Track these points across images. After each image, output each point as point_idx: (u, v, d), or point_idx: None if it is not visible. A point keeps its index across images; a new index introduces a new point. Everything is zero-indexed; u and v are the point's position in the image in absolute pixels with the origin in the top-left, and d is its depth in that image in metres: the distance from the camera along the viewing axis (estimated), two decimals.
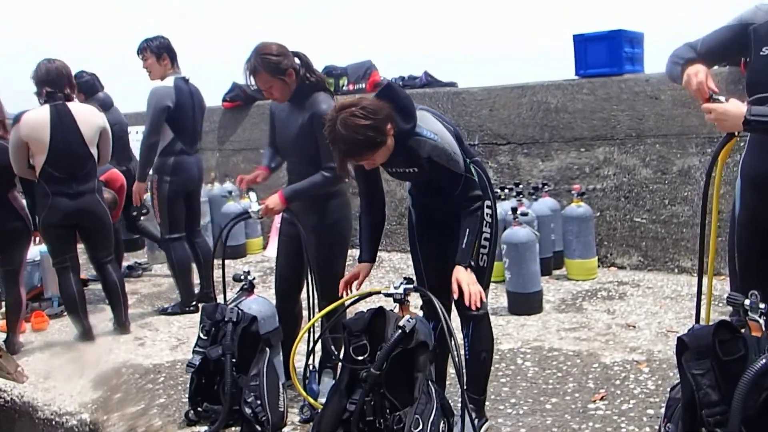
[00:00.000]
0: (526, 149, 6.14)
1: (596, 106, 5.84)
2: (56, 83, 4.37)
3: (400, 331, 2.67)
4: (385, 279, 5.85)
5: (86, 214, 4.44)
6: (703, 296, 2.66)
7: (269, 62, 3.20)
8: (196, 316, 4.95)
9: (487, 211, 2.90)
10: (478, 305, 2.74)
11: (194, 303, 5.14)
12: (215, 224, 7.11)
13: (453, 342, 2.62)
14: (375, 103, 2.64)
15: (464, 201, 2.81)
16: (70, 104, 4.40)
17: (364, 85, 7.52)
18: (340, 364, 3.48)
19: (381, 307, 2.82)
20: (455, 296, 2.77)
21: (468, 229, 2.80)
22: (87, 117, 4.45)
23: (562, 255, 5.61)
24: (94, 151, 4.48)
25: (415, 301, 2.90)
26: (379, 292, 2.91)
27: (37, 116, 4.29)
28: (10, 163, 4.31)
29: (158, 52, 4.99)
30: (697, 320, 2.56)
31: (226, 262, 6.18)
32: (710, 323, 2.31)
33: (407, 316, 2.74)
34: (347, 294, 3.04)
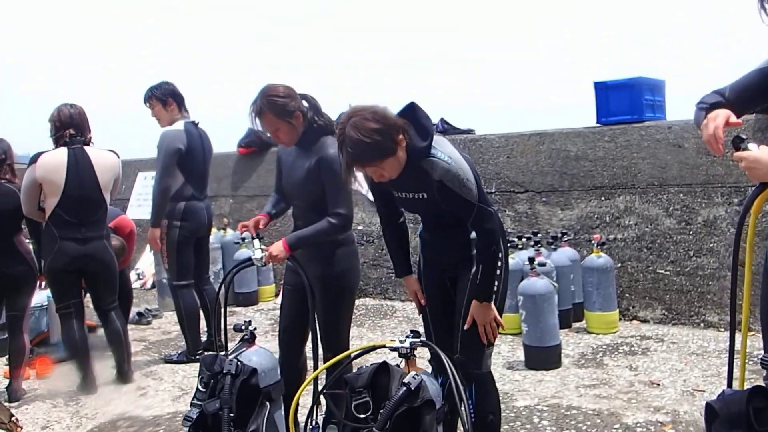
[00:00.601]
0: (545, 197, 5.99)
1: (617, 153, 5.70)
2: (80, 127, 4.36)
3: (405, 388, 2.49)
4: (397, 330, 5.67)
5: (93, 259, 4.36)
6: (735, 355, 2.46)
7: (275, 104, 3.09)
8: None
9: (499, 256, 2.76)
10: (492, 340, 2.67)
11: (201, 351, 4.99)
12: (226, 271, 6.98)
13: (463, 402, 2.44)
14: (389, 112, 2.55)
15: (478, 234, 2.67)
16: (87, 149, 4.36)
17: None
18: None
19: (385, 362, 2.65)
20: (466, 327, 2.70)
21: (482, 265, 2.68)
22: (104, 162, 4.40)
23: (582, 307, 5.42)
24: (107, 197, 4.43)
25: (423, 355, 2.74)
26: (383, 346, 2.74)
27: (55, 158, 4.26)
28: (18, 207, 4.26)
29: (164, 99, 4.95)
30: (729, 383, 2.36)
31: (238, 309, 6.04)
32: (743, 387, 2.11)
33: (413, 372, 2.56)
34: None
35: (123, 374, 4.59)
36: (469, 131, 6.88)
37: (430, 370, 2.89)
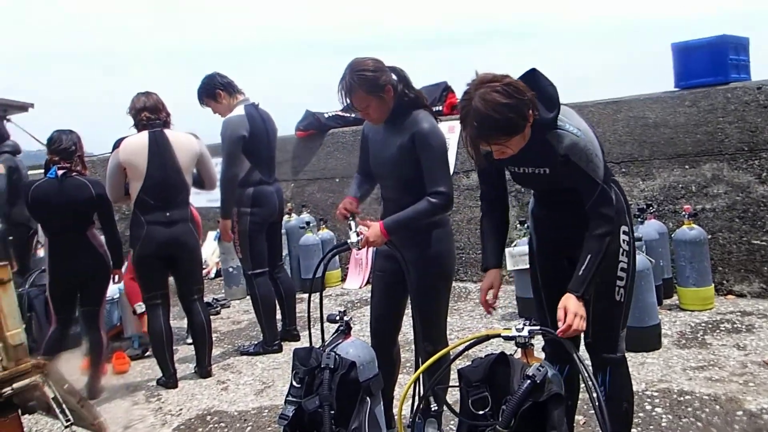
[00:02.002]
0: (624, 168, 5.69)
1: (700, 118, 5.38)
2: (155, 110, 4.34)
3: (529, 381, 2.28)
4: (474, 312, 5.45)
5: (179, 244, 4.33)
6: None
7: (366, 79, 2.87)
8: (280, 357, 4.70)
9: (624, 237, 2.53)
10: (569, 335, 2.34)
11: (278, 342, 4.85)
12: (293, 257, 6.85)
13: (596, 392, 2.21)
14: (520, 84, 2.26)
15: (594, 218, 2.39)
16: (167, 131, 4.34)
17: (441, 108, 7.19)
18: (443, 414, 3.15)
19: (503, 353, 2.44)
20: (559, 324, 2.37)
21: (590, 255, 2.37)
22: (184, 144, 4.38)
23: (672, 283, 5.14)
24: (188, 179, 4.41)
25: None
26: (498, 335, 2.52)
27: (137, 142, 4.27)
28: (90, 200, 4.15)
29: (212, 93, 4.81)
30: None
31: (304, 296, 5.90)
32: None
33: (536, 364, 2.34)
34: (491, 312, 2.75)
35: (203, 368, 4.48)
36: None
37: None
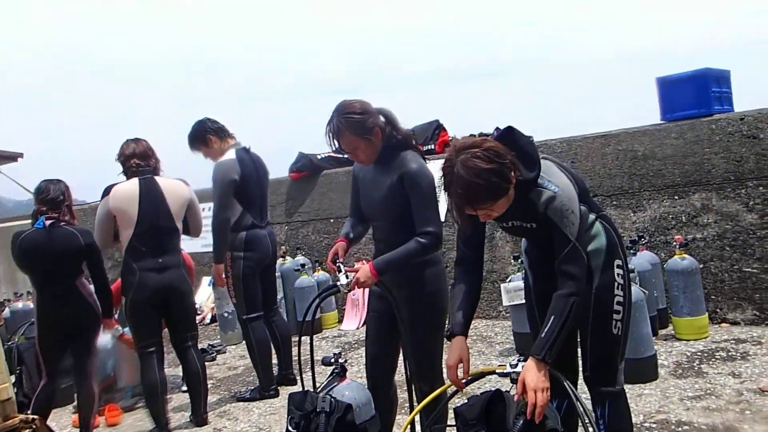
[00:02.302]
0: (615, 201, 5.74)
1: (687, 150, 5.44)
2: (144, 156, 4.35)
3: (524, 418, 2.28)
4: (472, 349, 5.43)
5: (172, 290, 4.31)
6: None
7: (354, 122, 2.92)
8: (277, 402, 4.67)
9: (618, 271, 2.55)
10: (536, 417, 2.20)
11: (274, 387, 4.82)
12: (288, 299, 6.85)
13: (593, 427, 2.22)
14: (499, 146, 2.26)
15: (560, 276, 2.34)
16: (157, 178, 4.36)
17: (433, 146, 7.26)
18: None
19: (498, 390, 2.44)
20: (516, 398, 2.29)
21: (553, 316, 2.31)
22: (175, 191, 4.40)
23: (666, 313, 5.15)
24: (179, 225, 4.40)
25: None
26: (494, 372, 2.53)
27: (127, 189, 4.27)
28: (79, 249, 4.15)
29: (203, 139, 4.84)
30: None
31: (303, 338, 5.86)
32: None
33: None
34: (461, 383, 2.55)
35: (198, 416, 4.44)
36: (528, 138, 6.65)
37: None
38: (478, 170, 2.19)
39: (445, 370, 2.71)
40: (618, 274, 2.55)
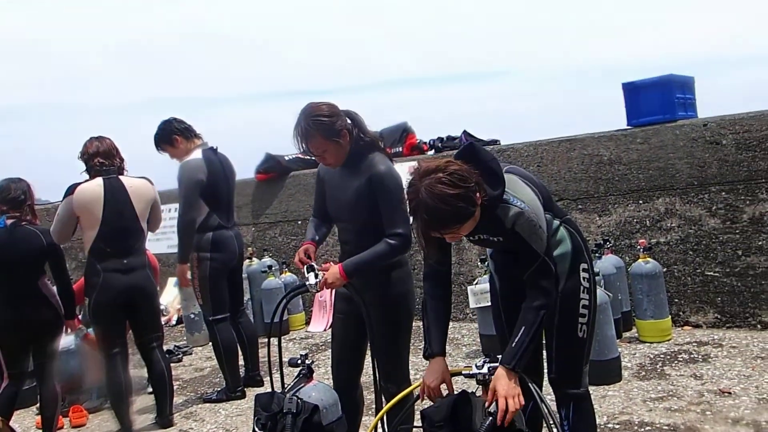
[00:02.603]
0: (580, 204, 5.80)
1: (652, 155, 5.52)
2: (108, 155, 4.25)
3: (491, 418, 2.30)
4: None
5: (138, 291, 4.25)
6: None
7: (322, 124, 2.91)
8: (243, 403, 4.65)
9: (583, 275, 2.58)
10: (505, 423, 2.24)
11: (241, 388, 4.79)
12: (255, 301, 6.81)
13: (556, 428, 2.25)
14: (463, 169, 2.24)
15: (531, 288, 2.38)
16: (122, 177, 4.28)
17: (400, 149, 7.28)
18: None
19: (464, 392, 2.46)
20: (488, 407, 2.33)
21: (524, 327, 2.35)
22: (140, 190, 4.32)
23: (631, 315, 5.23)
24: (144, 225, 4.34)
25: None
26: (459, 373, 2.55)
27: (91, 189, 4.17)
28: (41, 249, 4.08)
29: (168, 139, 4.79)
30: None
31: (271, 340, 5.82)
32: None
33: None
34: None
35: (164, 418, 4.39)
36: (494, 142, 6.71)
37: None
38: (443, 196, 2.16)
39: (412, 373, 2.72)
40: (584, 278, 2.58)
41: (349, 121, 3.02)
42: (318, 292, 3.04)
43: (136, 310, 4.29)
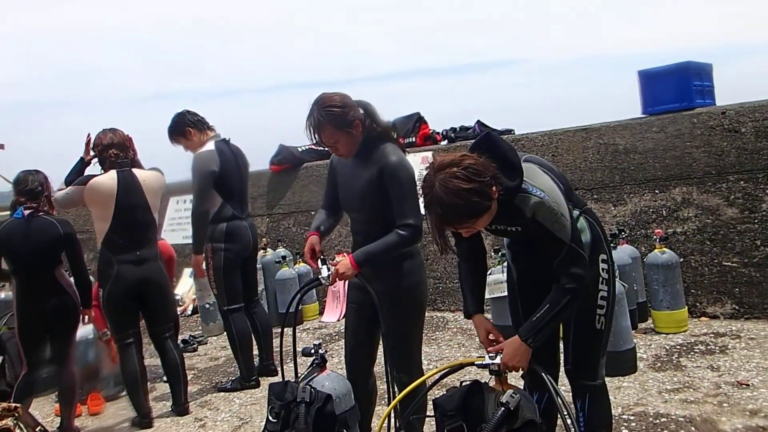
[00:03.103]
0: (595, 194, 5.76)
1: (668, 144, 5.47)
2: (122, 147, 4.29)
3: (503, 409, 2.28)
4: (453, 341, 5.46)
5: (150, 283, 4.29)
6: None
7: (334, 115, 2.90)
8: (258, 392, 4.66)
9: (602, 266, 2.54)
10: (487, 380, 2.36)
11: (255, 377, 4.81)
12: (269, 291, 6.83)
13: (571, 419, 2.23)
14: (478, 162, 2.22)
15: (563, 275, 2.36)
16: (135, 170, 4.30)
17: (414, 139, 7.25)
18: None
19: (477, 381, 2.44)
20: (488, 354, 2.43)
21: (548, 304, 2.36)
22: (152, 183, 4.36)
23: (646, 306, 5.19)
24: (156, 216, 4.37)
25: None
26: (472, 363, 2.54)
27: (105, 183, 4.20)
28: (58, 239, 4.11)
29: (182, 132, 4.79)
30: None
31: (285, 330, 5.85)
32: None
33: (509, 391, 2.36)
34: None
35: (180, 406, 4.42)
36: (509, 131, 6.67)
37: (522, 385, 2.68)
38: (458, 190, 2.15)
39: (425, 363, 2.72)
40: (603, 269, 2.55)
41: (361, 112, 3.01)
42: (331, 284, 3.04)
43: (149, 301, 4.33)
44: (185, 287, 8.14)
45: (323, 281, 2.97)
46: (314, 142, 3.06)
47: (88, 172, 4.42)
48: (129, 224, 4.21)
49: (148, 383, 4.74)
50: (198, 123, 4.81)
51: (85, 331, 4.82)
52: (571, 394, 2.65)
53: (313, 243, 3.12)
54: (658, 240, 4.96)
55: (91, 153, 4.39)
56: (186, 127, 4.78)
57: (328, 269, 2.95)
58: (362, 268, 2.92)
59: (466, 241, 2.62)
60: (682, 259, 5.19)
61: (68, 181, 4.31)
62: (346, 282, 3.30)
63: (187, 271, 8.00)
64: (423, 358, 3.27)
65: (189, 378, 5.11)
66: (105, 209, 4.17)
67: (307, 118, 2.94)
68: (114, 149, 4.25)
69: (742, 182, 5.12)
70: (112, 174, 4.21)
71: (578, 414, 2.57)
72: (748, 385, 3.76)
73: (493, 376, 2.47)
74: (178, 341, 5.85)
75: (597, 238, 2.56)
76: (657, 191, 5.51)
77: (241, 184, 4.89)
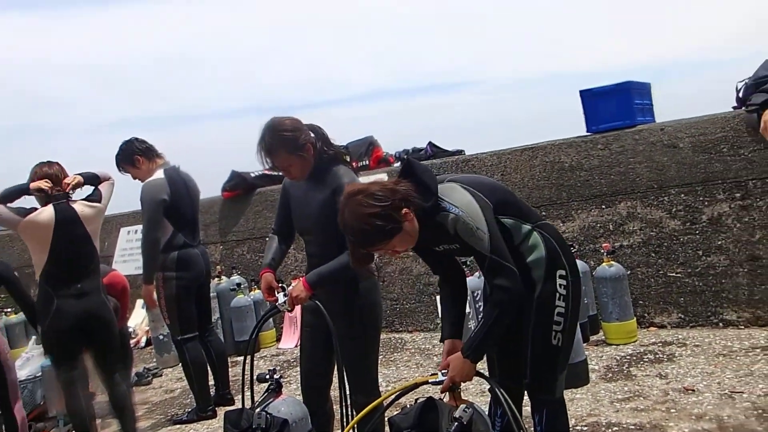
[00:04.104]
0: (544, 211, 5.87)
1: (613, 160, 5.62)
2: (57, 180, 4.13)
3: (456, 423, 2.33)
4: (411, 362, 5.49)
5: (93, 316, 4.10)
6: None
7: (286, 139, 2.95)
8: (215, 422, 4.62)
9: (560, 282, 2.57)
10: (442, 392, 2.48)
11: (212, 407, 4.76)
12: (224, 319, 6.77)
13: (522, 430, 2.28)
14: (385, 188, 2.40)
15: (490, 287, 2.44)
16: (72, 203, 4.15)
17: (367, 162, 7.32)
18: None
19: (431, 398, 2.49)
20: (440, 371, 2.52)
21: (483, 319, 2.45)
22: (89, 213, 4.18)
23: (597, 319, 5.30)
24: (97, 244, 4.22)
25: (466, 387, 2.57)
26: (426, 382, 2.58)
27: (41, 218, 4.01)
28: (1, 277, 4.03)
29: (130, 160, 4.77)
30: None
31: (239, 358, 5.82)
32: None
33: (462, 406, 2.41)
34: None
35: None
36: (459, 152, 6.78)
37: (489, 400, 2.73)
38: (362, 215, 2.32)
39: (383, 384, 2.75)
40: (560, 285, 2.56)
41: (312, 135, 3.06)
42: (290, 311, 3.07)
43: (93, 335, 4.14)
44: (138, 319, 8.02)
45: (281, 308, 3.00)
46: (267, 167, 3.10)
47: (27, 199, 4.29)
48: (68, 257, 4.04)
49: (100, 419, 4.65)
50: (146, 151, 4.78)
51: (32, 369, 4.73)
52: (531, 407, 2.69)
53: (268, 281, 3.15)
54: (605, 254, 5.08)
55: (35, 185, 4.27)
56: (134, 155, 4.75)
57: (285, 295, 2.98)
58: (315, 289, 2.95)
59: (442, 266, 2.72)
60: (629, 272, 5.33)
61: (4, 195, 4.09)
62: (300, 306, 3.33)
63: (140, 303, 7.89)
64: (381, 379, 3.30)
65: (143, 413, 5.05)
66: (42, 243, 4.00)
67: (259, 143, 2.98)
68: (49, 182, 4.09)
69: (682, 195, 5.29)
70: (49, 209, 4.04)
71: (536, 428, 2.62)
72: (693, 390, 3.87)
73: (447, 392, 2.52)
74: (132, 374, 5.77)
75: (553, 253, 2.58)
76: (603, 206, 5.65)
77: (192, 211, 4.88)
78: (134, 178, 4.80)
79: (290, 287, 3.05)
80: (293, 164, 3.00)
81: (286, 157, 2.97)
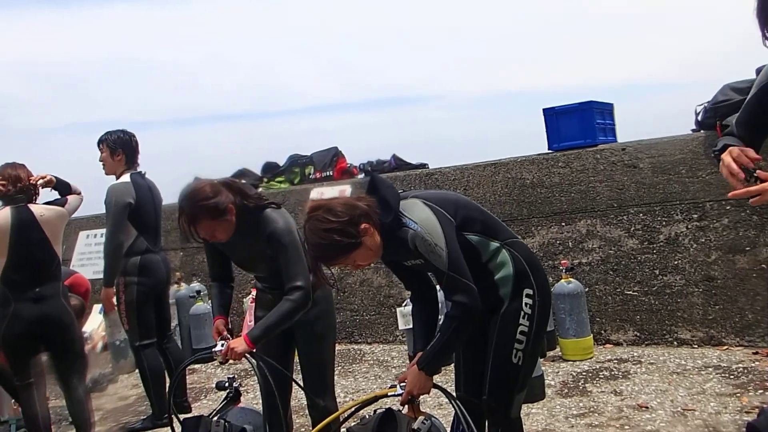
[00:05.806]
0: None
1: (573, 178, 5.72)
2: (15, 181, 4.05)
3: None
4: (369, 373, 5.49)
5: (51, 321, 4.02)
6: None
7: (208, 207, 2.89)
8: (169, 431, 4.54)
9: (527, 300, 2.57)
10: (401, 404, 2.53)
11: (167, 415, 4.70)
12: (183, 326, 6.71)
13: None
14: (345, 204, 2.45)
15: (449, 303, 2.45)
16: (32, 206, 4.09)
17: (331, 173, 7.34)
18: None
19: (390, 409, 2.50)
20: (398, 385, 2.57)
21: (439, 333, 2.48)
22: (50, 217, 4.11)
23: (554, 335, 5.37)
24: (59, 250, 4.14)
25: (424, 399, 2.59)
26: (386, 395, 2.59)
27: None
28: None
29: (113, 148, 4.73)
30: None
31: (197, 366, 5.77)
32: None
33: (420, 418, 2.43)
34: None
35: None
36: (423, 165, 6.83)
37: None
38: (320, 231, 2.39)
39: (342, 395, 2.77)
40: (526, 304, 2.56)
41: (230, 194, 3.00)
42: (222, 362, 3.08)
43: (51, 340, 4.08)
44: (94, 323, 7.87)
45: (215, 356, 3.00)
46: (191, 239, 3.02)
47: None
48: (26, 260, 3.97)
49: (54, 426, 4.56)
50: (132, 154, 4.80)
51: None
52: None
53: (219, 329, 3.14)
54: (564, 270, 5.16)
55: None
56: (119, 148, 4.73)
57: (222, 345, 2.95)
58: (257, 344, 2.94)
59: (414, 281, 2.75)
60: (587, 289, 5.41)
61: None
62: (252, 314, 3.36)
63: (97, 307, 7.75)
64: (339, 390, 3.32)
65: (95, 419, 4.95)
66: (0, 245, 3.94)
67: (180, 215, 2.93)
68: (7, 184, 4.03)
69: (641, 215, 5.40)
70: (6, 211, 3.99)
71: None
72: (647, 407, 3.95)
73: (406, 404, 2.53)
74: (87, 380, 5.66)
75: (521, 272, 2.58)
76: (563, 224, 5.74)
77: (156, 217, 4.84)
78: (101, 164, 4.76)
79: (230, 340, 2.99)
80: (218, 229, 2.97)
81: (210, 224, 2.93)
